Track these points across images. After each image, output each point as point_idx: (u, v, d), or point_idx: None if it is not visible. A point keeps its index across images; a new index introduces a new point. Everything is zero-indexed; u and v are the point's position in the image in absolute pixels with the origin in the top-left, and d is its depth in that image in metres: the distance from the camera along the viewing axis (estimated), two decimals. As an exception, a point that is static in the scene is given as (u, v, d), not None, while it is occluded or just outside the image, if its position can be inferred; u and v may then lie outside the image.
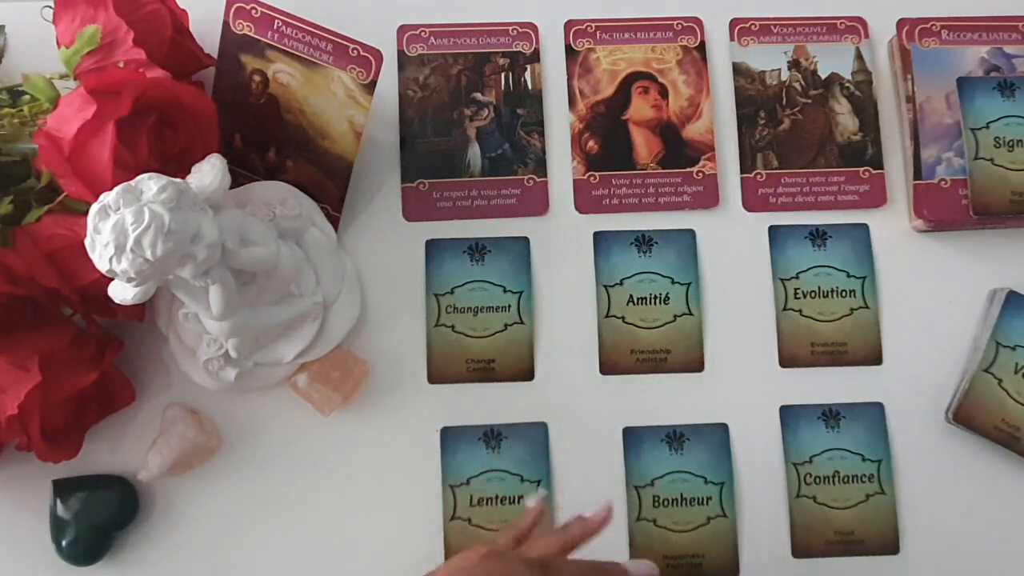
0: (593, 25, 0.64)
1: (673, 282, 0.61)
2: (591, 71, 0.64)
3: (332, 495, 0.58)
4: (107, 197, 0.45)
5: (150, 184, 0.45)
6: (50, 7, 0.55)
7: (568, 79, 0.64)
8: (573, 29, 0.64)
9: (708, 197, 0.62)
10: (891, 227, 0.62)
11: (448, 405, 0.59)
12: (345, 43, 0.57)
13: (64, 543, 0.55)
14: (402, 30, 0.64)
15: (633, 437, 0.59)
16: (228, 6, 0.58)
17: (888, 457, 0.59)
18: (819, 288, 0.61)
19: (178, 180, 0.46)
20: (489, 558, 0.46)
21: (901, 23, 0.63)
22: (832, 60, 0.64)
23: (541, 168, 0.63)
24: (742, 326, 0.61)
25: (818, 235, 0.62)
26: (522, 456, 0.58)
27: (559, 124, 0.63)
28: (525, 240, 0.61)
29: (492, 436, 0.59)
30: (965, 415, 0.58)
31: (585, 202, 0.62)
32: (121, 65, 0.52)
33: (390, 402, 0.59)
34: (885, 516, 0.58)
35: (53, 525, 0.56)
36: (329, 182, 0.59)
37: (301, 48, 0.57)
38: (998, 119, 0.60)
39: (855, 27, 0.65)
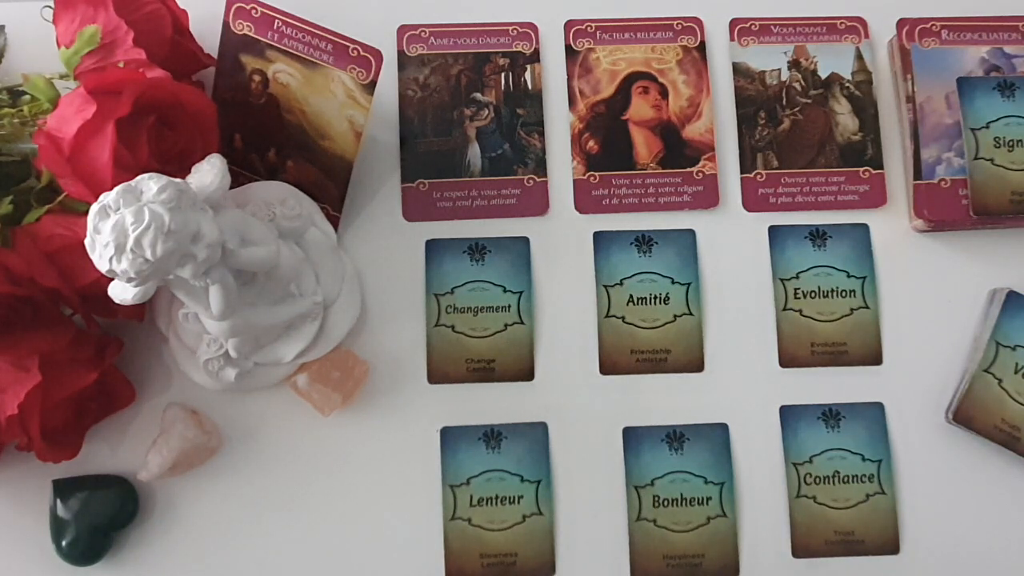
0: (593, 25, 0.64)
1: (673, 282, 0.61)
2: (591, 71, 0.64)
3: (332, 495, 0.58)
4: (107, 197, 0.45)
5: (150, 184, 0.45)
6: (50, 7, 0.55)
7: (568, 79, 0.64)
8: (573, 29, 0.64)
9: (708, 197, 0.62)
10: (891, 227, 0.62)
11: (448, 405, 0.59)
12: (345, 43, 0.57)
13: (64, 543, 0.55)
14: (402, 30, 0.64)
15: (633, 437, 0.59)
16: (228, 6, 0.58)
17: (888, 457, 0.59)
18: (819, 288, 0.61)
19: (178, 180, 0.46)
20: None
21: (901, 23, 0.63)
22: (832, 60, 0.64)
23: (541, 168, 0.63)
24: (742, 326, 0.61)
25: (818, 235, 0.62)
26: (522, 456, 0.58)
27: (559, 124, 0.63)
28: (525, 240, 0.61)
29: (492, 436, 0.59)
30: (965, 415, 0.58)
31: (585, 202, 0.62)
32: (121, 65, 0.52)
33: (390, 402, 0.59)
34: (885, 516, 0.58)
35: (53, 525, 0.56)
36: (329, 182, 0.59)
37: (301, 48, 0.57)
38: (998, 119, 0.60)
39: (855, 27, 0.65)
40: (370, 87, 0.57)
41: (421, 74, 0.63)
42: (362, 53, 0.57)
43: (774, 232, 0.62)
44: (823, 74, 0.64)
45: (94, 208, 0.45)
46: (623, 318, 0.60)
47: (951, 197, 0.60)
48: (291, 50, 0.57)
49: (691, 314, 0.61)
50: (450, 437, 0.59)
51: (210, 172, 0.49)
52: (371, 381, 0.59)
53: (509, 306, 0.60)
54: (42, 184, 0.53)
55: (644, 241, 0.62)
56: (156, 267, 0.45)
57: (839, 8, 0.65)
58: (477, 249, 0.61)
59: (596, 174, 0.63)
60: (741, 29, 0.65)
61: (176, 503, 0.58)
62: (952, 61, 0.62)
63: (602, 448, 0.59)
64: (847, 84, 0.64)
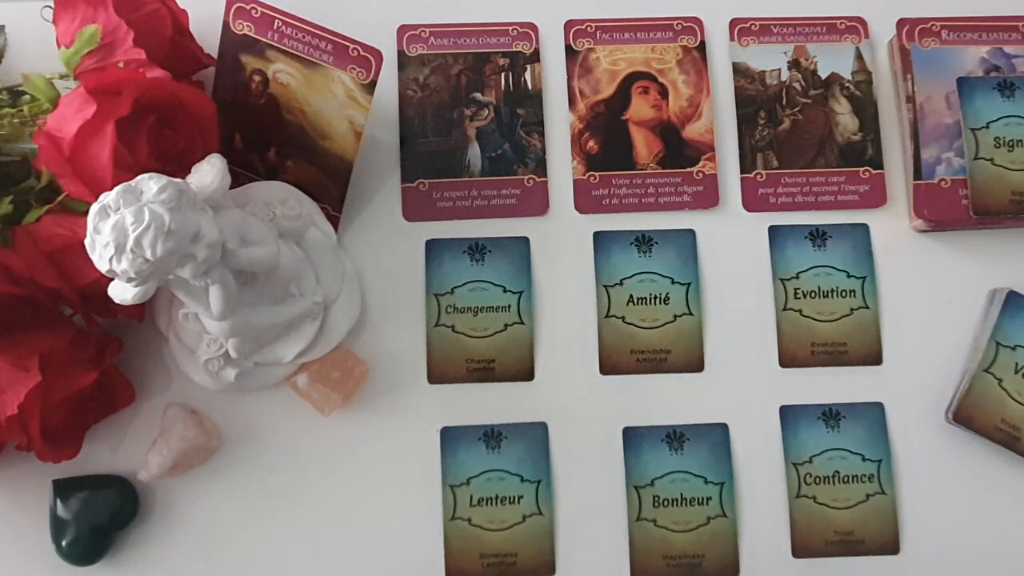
0: (593, 25, 0.64)
1: (673, 282, 0.61)
2: (591, 71, 0.64)
3: (332, 495, 0.58)
4: (107, 197, 0.45)
5: (150, 184, 0.45)
6: (50, 7, 0.55)
7: (568, 79, 0.64)
8: (573, 29, 0.64)
9: (708, 197, 0.62)
10: (891, 227, 0.62)
11: (448, 405, 0.59)
12: (345, 43, 0.57)
13: (64, 543, 0.55)
14: (402, 30, 0.64)
15: (633, 437, 0.59)
16: (228, 6, 0.58)
17: (888, 457, 0.59)
18: (819, 288, 0.61)
19: (178, 180, 0.46)
20: None
21: (901, 23, 0.63)
22: (832, 60, 0.64)
23: (541, 168, 0.63)
24: (742, 326, 0.61)
25: (818, 235, 0.62)
26: (522, 456, 0.58)
27: (559, 124, 0.63)
28: (525, 240, 0.61)
29: (492, 436, 0.59)
30: (965, 415, 0.58)
31: (585, 202, 0.62)
32: (121, 65, 0.52)
33: (390, 402, 0.59)
34: (885, 516, 0.58)
35: (53, 525, 0.56)
36: (329, 182, 0.59)
37: (301, 48, 0.57)
38: (998, 119, 0.60)
39: (855, 27, 0.65)
40: (370, 87, 0.57)
41: (421, 74, 0.63)
42: (362, 53, 0.57)
43: (774, 232, 0.62)
44: (823, 74, 0.64)
45: (94, 208, 0.45)
46: (623, 318, 0.60)
47: (951, 197, 0.60)
48: (291, 50, 0.57)
49: (691, 314, 0.61)
50: (450, 437, 0.59)
51: (210, 172, 0.49)
52: (371, 381, 0.59)
53: (509, 306, 0.60)
54: (42, 184, 0.53)
55: (644, 241, 0.62)
56: (156, 267, 0.45)
57: (839, 8, 0.65)
58: (477, 249, 0.61)
59: (596, 174, 0.63)
60: (741, 29, 0.65)
61: (176, 503, 0.58)
62: (952, 61, 0.62)
63: (602, 448, 0.59)
64: (847, 84, 0.64)
